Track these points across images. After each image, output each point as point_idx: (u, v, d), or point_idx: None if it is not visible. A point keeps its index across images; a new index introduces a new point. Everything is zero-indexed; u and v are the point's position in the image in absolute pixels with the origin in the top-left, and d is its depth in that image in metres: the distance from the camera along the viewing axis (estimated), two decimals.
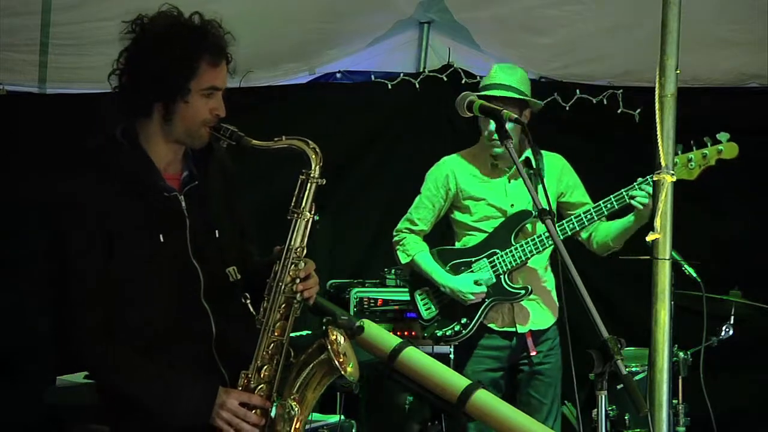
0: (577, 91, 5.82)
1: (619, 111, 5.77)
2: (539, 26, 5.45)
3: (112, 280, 2.68)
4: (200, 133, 2.78)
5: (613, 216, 4.26)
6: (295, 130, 2.86)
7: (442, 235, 4.60)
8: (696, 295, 4.40)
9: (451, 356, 4.73)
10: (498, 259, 4.29)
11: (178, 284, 2.76)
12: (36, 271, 4.81)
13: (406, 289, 4.59)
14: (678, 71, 3.12)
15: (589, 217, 4.22)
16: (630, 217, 4.20)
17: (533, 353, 4.36)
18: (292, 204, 2.81)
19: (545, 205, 2.84)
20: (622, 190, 4.13)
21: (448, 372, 3.15)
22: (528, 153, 4.20)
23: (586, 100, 5.83)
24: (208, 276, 2.80)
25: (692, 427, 4.53)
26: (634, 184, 4.12)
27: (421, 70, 5.91)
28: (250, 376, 2.77)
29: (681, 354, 4.50)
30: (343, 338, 2.82)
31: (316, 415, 4.18)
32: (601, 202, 4.20)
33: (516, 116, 3.05)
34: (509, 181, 4.38)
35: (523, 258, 4.28)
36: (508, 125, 3.00)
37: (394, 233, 4.51)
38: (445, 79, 5.82)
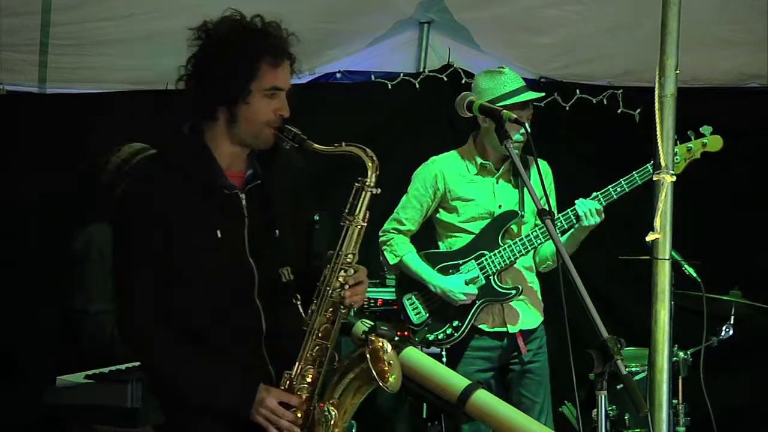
0: (577, 91, 5.82)
1: (619, 111, 5.76)
2: (539, 26, 5.45)
3: (168, 271, 2.75)
4: (264, 134, 2.83)
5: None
6: None
7: (426, 235, 4.59)
8: (696, 295, 4.40)
9: (443, 359, 4.72)
10: (487, 260, 4.29)
11: (233, 280, 2.82)
12: (36, 271, 4.83)
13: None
14: (678, 71, 3.12)
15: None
16: (570, 231, 4.24)
17: (525, 352, 4.36)
18: (346, 211, 2.85)
19: (546, 206, 2.84)
20: (568, 210, 4.17)
21: (448, 372, 3.15)
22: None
23: (586, 100, 5.82)
24: (263, 274, 2.85)
25: (692, 427, 4.53)
26: (592, 195, 4.18)
27: (421, 70, 5.90)
28: (292, 376, 2.82)
29: (681, 354, 4.49)
30: (389, 347, 2.82)
31: None
32: (560, 214, 4.23)
33: (516, 116, 3.05)
34: (497, 182, 4.38)
35: (512, 258, 4.29)
36: (517, 136, 3.00)
37: (381, 234, 4.47)
38: (445, 79, 5.82)
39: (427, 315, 4.37)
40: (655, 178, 3.15)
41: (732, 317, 4.60)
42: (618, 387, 3.95)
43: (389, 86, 5.83)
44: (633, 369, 4.47)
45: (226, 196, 2.83)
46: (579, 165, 5.71)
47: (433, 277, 4.32)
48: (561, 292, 2.77)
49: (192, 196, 2.78)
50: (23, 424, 4.53)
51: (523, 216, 4.33)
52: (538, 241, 4.24)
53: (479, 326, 4.33)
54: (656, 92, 3.13)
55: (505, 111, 3.00)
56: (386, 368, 2.79)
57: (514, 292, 4.29)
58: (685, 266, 4.43)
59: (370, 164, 2.85)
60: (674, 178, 3.14)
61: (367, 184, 2.85)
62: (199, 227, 2.78)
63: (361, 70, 5.84)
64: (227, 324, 2.81)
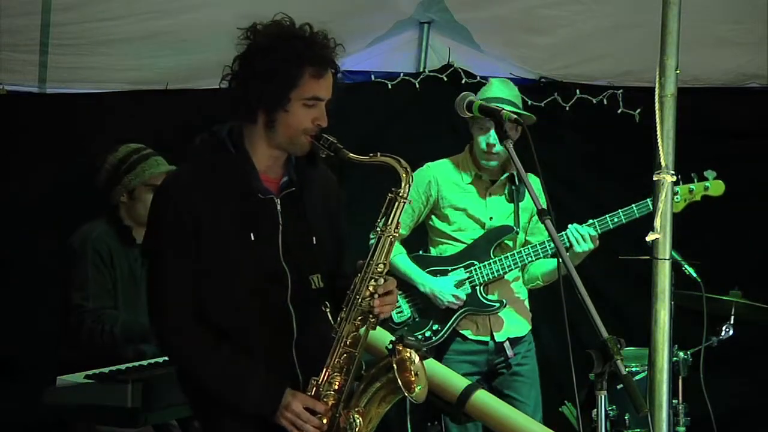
0: (577, 91, 5.81)
1: (619, 111, 5.76)
2: (539, 26, 5.45)
3: (201, 271, 2.78)
4: (301, 142, 2.84)
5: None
6: None
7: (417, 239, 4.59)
8: (696, 295, 4.40)
9: None
10: (476, 270, 4.31)
11: (266, 283, 2.85)
12: (37, 271, 4.83)
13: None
14: (678, 71, 3.12)
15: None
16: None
17: (512, 356, 4.37)
18: (380, 221, 2.87)
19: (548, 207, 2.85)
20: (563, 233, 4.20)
21: (448, 372, 3.16)
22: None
23: (586, 100, 5.82)
24: (297, 280, 2.87)
25: (692, 427, 4.53)
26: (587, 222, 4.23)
27: (421, 70, 5.90)
28: (319, 383, 2.83)
29: (681, 354, 4.49)
30: (417, 358, 2.82)
31: None
32: (546, 241, 4.25)
33: (516, 117, 3.05)
34: (490, 195, 4.39)
35: (501, 272, 4.31)
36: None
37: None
38: (445, 79, 5.81)
39: (409, 315, 4.38)
40: (655, 178, 3.14)
41: (732, 317, 4.59)
42: (618, 387, 3.93)
43: (389, 86, 5.82)
44: (633, 369, 4.46)
45: (261, 201, 2.85)
46: (579, 165, 5.71)
47: (422, 277, 4.33)
48: (561, 292, 2.77)
49: (227, 198, 2.81)
50: (23, 424, 4.53)
51: (518, 232, 4.35)
52: (530, 259, 4.29)
53: (462, 332, 4.35)
54: (656, 92, 3.13)
55: (505, 111, 3.00)
56: (413, 378, 2.80)
57: (498, 305, 4.32)
58: (685, 266, 4.42)
59: (404, 175, 2.87)
60: (674, 178, 3.13)
61: (400, 194, 2.86)
62: (233, 229, 2.80)
63: (361, 70, 5.83)
64: (259, 326, 2.84)
